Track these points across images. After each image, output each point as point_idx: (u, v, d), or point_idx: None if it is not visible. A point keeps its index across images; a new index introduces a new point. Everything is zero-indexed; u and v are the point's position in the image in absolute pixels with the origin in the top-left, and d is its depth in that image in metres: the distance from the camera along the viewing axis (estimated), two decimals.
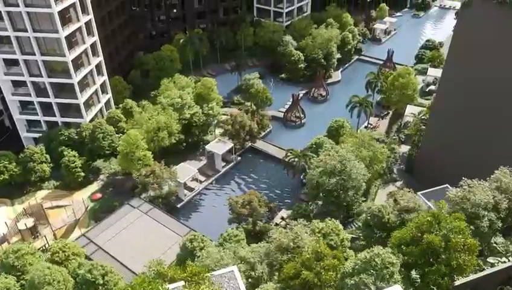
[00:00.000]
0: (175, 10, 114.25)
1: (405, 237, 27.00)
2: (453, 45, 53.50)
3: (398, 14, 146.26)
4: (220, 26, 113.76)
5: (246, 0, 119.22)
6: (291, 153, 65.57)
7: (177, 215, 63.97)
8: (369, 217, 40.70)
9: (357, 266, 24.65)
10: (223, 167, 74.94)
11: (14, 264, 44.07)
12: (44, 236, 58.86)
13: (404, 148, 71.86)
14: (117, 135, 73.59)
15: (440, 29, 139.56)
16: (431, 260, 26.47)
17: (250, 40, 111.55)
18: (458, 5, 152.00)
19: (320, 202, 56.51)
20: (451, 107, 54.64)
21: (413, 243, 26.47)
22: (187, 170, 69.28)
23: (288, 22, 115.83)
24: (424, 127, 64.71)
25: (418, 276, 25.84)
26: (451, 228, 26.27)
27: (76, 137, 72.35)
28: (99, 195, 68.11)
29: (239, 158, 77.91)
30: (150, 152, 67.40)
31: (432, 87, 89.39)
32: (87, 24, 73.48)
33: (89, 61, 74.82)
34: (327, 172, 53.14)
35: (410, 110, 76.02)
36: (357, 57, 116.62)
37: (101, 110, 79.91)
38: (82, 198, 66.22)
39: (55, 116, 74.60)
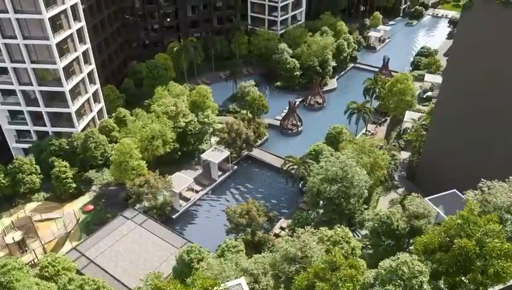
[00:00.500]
0: (168, 19, 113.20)
1: (432, 242, 24.69)
2: (454, 48, 52.59)
3: (391, 22, 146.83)
4: (214, 35, 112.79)
5: (240, 9, 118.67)
6: (289, 160, 63.87)
7: (172, 227, 61.73)
8: (376, 225, 38.87)
9: (380, 276, 22.54)
10: (219, 176, 72.97)
11: (0, 281, 41.51)
12: (33, 250, 56.20)
13: (404, 155, 70.57)
14: (110, 145, 71.59)
15: (433, 37, 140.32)
16: (464, 267, 24.01)
17: (245, 48, 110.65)
18: (450, 13, 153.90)
19: (321, 211, 54.67)
20: (453, 111, 53.49)
21: (443, 249, 24.20)
22: (182, 180, 67.19)
23: (283, 31, 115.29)
24: (424, 132, 63.50)
25: (447, 286, 23.48)
26: (485, 231, 23.81)
27: (67, 147, 70.09)
28: (91, 207, 65.71)
29: (235, 167, 76.04)
30: (144, 161, 65.37)
31: (430, 93, 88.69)
32: (79, 31, 71.85)
33: (81, 69, 72.99)
34: (328, 179, 51.44)
35: (409, 116, 74.94)
36: (352, 64, 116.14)
37: (93, 119, 77.83)
38: (73, 210, 63.76)
39: (45, 126, 72.36)
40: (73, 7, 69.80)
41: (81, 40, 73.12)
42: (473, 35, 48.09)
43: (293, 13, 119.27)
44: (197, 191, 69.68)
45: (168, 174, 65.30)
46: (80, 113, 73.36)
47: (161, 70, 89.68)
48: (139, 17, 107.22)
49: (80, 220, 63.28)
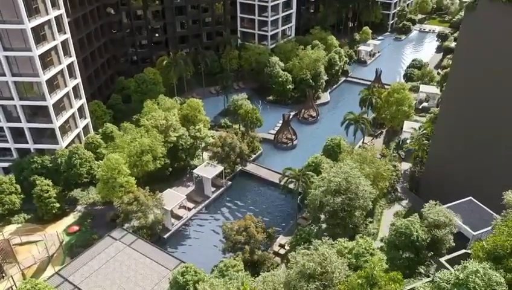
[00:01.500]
0: (157, 35, 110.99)
1: (504, 245, 21.12)
2: (458, 50, 50.88)
3: (380, 37, 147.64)
4: (204, 50, 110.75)
5: (229, 25, 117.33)
6: (287, 176, 60.24)
7: (164, 247, 57.52)
8: (394, 236, 35.60)
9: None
10: (213, 192, 69.32)
11: None
12: (11, 276, 51.30)
13: (405, 166, 68.07)
14: (96, 162, 67.62)
15: (422, 50, 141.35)
16: None
17: (235, 63, 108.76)
18: (437, 28, 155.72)
19: (324, 225, 51.31)
20: (459, 116, 51.43)
21: None
22: (174, 197, 63.35)
23: (274, 45, 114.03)
24: (426, 141, 61.23)
25: None
26: None
27: (50, 165, 65.92)
28: (76, 228, 61.23)
29: (229, 183, 72.53)
30: (133, 178, 61.47)
31: (425, 104, 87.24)
32: (64, 43, 68.71)
33: (66, 83, 69.52)
34: (331, 191, 48.32)
35: (408, 126, 72.86)
36: (344, 78, 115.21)
37: (78, 135, 73.90)
38: (56, 231, 59.18)
39: (27, 142, 68.18)
40: (58, 18, 66.87)
41: (66, 52, 69.92)
42: (477, 36, 46.42)
43: (283, 28, 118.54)
44: (189, 209, 65.81)
45: (158, 191, 61.45)
46: (64, 129, 69.45)
47: (150, 84, 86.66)
48: (126, 33, 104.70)
49: (64, 242, 58.68)
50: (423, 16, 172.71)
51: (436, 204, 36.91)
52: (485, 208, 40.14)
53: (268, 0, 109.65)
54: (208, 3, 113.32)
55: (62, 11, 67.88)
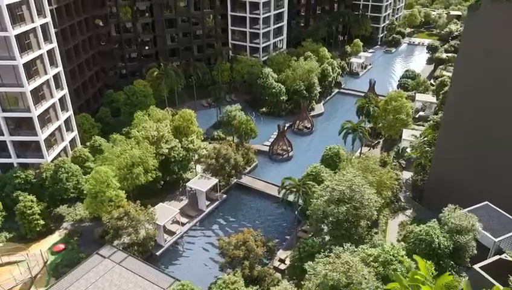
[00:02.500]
0: (147, 47, 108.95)
1: None
2: (461, 51, 49.46)
3: (370, 50, 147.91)
4: (196, 62, 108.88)
5: (220, 37, 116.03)
6: (285, 188, 57.38)
7: (156, 264, 53.86)
8: (412, 244, 32.91)
9: None
10: (207, 206, 66.13)
11: None
12: None
13: (406, 175, 65.95)
14: (84, 177, 64.07)
15: (412, 62, 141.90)
16: None
17: (227, 75, 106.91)
18: (426, 41, 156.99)
19: (327, 237, 48.48)
20: (463, 121, 49.66)
21: None
22: (167, 211, 59.99)
23: (265, 57, 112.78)
24: (428, 148, 59.34)
25: None
26: None
27: (34, 180, 62.27)
28: (61, 246, 57.28)
29: (224, 196, 69.47)
30: (123, 192, 58.12)
31: (422, 113, 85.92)
32: (50, 53, 65.97)
33: (52, 93, 66.49)
34: (334, 200, 45.75)
35: (408, 134, 71.06)
36: (337, 90, 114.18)
37: (65, 149, 70.47)
38: (40, 251, 55.18)
39: (10, 157, 64.50)
40: (44, 27, 64.31)
41: (53, 62, 67.10)
42: (481, 36, 45.05)
43: (275, 40, 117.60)
44: (183, 224, 62.44)
45: (150, 205, 58.06)
46: (49, 143, 66.06)
47: (140, 96, 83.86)
48: (115, 45, 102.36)
49: (48, 262, 54.70)
50: (412, 30, 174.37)
51: (455, 208, 34.53)
52: (504, 212, 37.87)
53: (259, 12, 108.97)
54: (198, 16, 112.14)
55: (48, 19, 65.37)
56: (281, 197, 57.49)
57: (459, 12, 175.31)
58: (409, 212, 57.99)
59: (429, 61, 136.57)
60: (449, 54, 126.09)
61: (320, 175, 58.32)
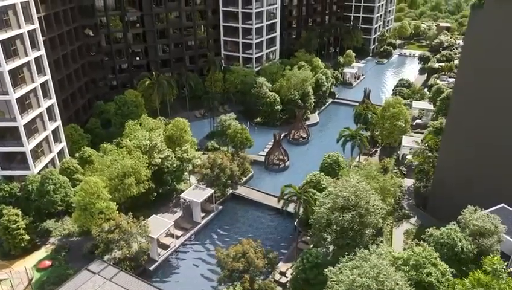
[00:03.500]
0: (138, 58, 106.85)
1: None
2: (464, 52, 48.25)
3: (362, 61, 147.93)
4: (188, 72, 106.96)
5: (213, 47, 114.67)
6: (284, 198, 54.80)
7: (150, 280, 50.73)
8: (433, 248, 30.57)
9: None
10: (203, 217, 63.34)
11: None
12: None
13: (408, 182, 64.08)
14: (73, 189, 60.94)
15: (404, 72, 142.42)
16: None
17: (220, 85, 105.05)
18: (417, 52, 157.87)
19: (331, 247, 46.05)
20: (468, 124, 48.16)
21: None
22: (160, 223, 57.02)
23: (258, 68, 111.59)
24: (430, 154, 57.70)
25: None
26: None
27: (20, 193, 59.02)
28: (48, 263, 53.81)
29: (220, 207, 66.77)
30: (114, 203, 55.15)
31: (419, 120, 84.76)
32: (38, 60, 63.55)
33: (39, 102, 63.80)
34: (338, 207, 43.52)
35: (407, 141, 69.46)
36: (331, 100, 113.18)
37: (53, 161, 67.43)
38: (25, 267, 51.78)
39: None
40: (32, 33, 61.98)
41: (40, 70, 64.60)
42: (485, 37, 43.90)
43: (268, 51, 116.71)
44: (177, 237, 59.45)
45: (143, 217, 55.10)
46: (36, 154, 63.07)
47: (131, 106, 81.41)
48: (106, 56, 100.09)
49: (34, 279, 51.19)
50: (402, 41, 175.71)
51: (475, 210, 32.54)
52: None
53: (252, 22, 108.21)
54: (190, 27, 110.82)
55: (36, 26, 63.16)
56: (281, 206, 54.92)
57: (448, 24, 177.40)
58: (413, 220, 55.93)
59: (421, 71, 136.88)
60: (441, 64, 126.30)
61: (321, 183, 56.27)
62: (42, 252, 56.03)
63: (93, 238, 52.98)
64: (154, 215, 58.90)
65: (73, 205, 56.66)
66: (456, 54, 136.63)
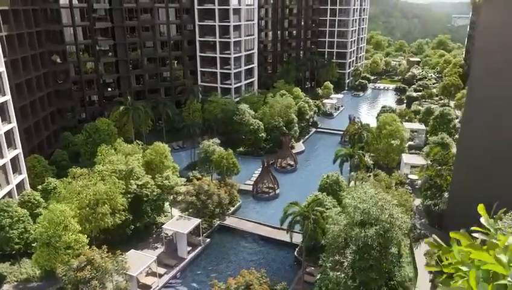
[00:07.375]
0: (110, 89, 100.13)
1: None
2: (478, 48, 45.03)
3: (339, 94, 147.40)
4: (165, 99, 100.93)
5: (189, 78, 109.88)
6: (289, 217, 47.81)
7: None
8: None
9: None
10: (189, 252, 54.80)
11: None
12: None
13: (415, 201, 58.72)
14: (33, 225, 51.44)
15: (379, 104, 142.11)
16: None
17: (199, 116, 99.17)
18: (391, 86, 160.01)
19: (350, 273, 38.90)
20: (487, 131, 43.99)
21: None
22: (140, 259, 48.17)
23: (238, 99, 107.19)
24: (440, 167, 52.97)
25: None
26: None
27: None
28: None
29: (208, 240, 58.55)
30: (85, 236, 46.23)
31: (411, 142, 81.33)
32: None
33: None
34: (357, 222, 37.07)
35: (408, 159, 64.89)
36: (314, 129, 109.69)
37: (10, 194, 57.88)
38: None
39: None
40: None
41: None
42: (497, 29, 40.90)
43: (246, 82, 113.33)
44: (160, 275, 50.40)
45: (119, 250, 46.28)
46: None
47: (103, 135, 73.59)
48: (74, 85, 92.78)
49: None
50: (374, 77, 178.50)
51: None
52: None
53: (230, 52, 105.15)
54: (166, 57, 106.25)
55: None
56: (286, 229, 47.46)
57: (418, 59, 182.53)
58: (430, 240, 50.00)
59: (399, 102, 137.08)
60: (419, 93, 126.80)
61: (324, 204, 49.87)
62: None
63: (57, 281, 43.55)
64: (133, 250, 49.98)
65: (33, 244, 47.26)
66: (432, 84, 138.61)
